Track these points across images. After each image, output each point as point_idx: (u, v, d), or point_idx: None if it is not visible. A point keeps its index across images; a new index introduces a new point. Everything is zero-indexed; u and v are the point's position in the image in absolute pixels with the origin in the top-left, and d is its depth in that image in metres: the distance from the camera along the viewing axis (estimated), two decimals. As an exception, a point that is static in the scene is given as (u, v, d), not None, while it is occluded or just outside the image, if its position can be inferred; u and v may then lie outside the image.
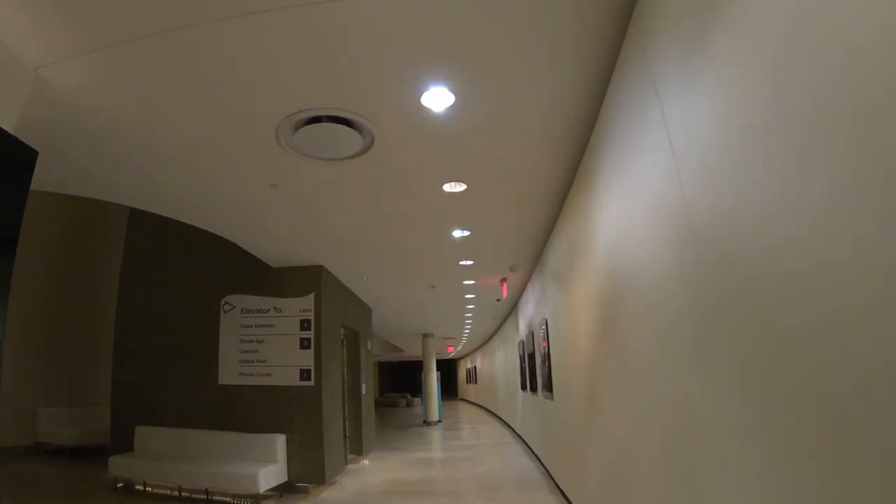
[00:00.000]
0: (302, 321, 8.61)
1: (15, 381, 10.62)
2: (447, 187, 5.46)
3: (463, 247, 7.85)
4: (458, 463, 10.96)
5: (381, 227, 6.90)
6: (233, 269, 9.02)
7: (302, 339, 8.55)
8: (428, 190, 5.57)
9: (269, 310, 8.81)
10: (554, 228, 7.01)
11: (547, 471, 8.94)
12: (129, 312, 9.78)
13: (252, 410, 8.48)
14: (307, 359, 8.44)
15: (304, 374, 8.42)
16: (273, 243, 7.70)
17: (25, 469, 9.39)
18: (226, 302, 9.02)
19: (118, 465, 8.09)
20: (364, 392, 11.36)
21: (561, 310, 6.60)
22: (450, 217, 6.55)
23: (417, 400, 20.60)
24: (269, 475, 7.53)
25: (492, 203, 6.14)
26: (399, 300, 12.40)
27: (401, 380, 42.87)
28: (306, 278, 8.72)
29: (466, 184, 5.37)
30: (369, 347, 12.44)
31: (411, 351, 25.01)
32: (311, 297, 8.63)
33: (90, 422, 10.60)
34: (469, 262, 8.75)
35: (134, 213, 10.16)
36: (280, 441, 8.05)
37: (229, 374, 8.77)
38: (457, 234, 7.11)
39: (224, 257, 9.01)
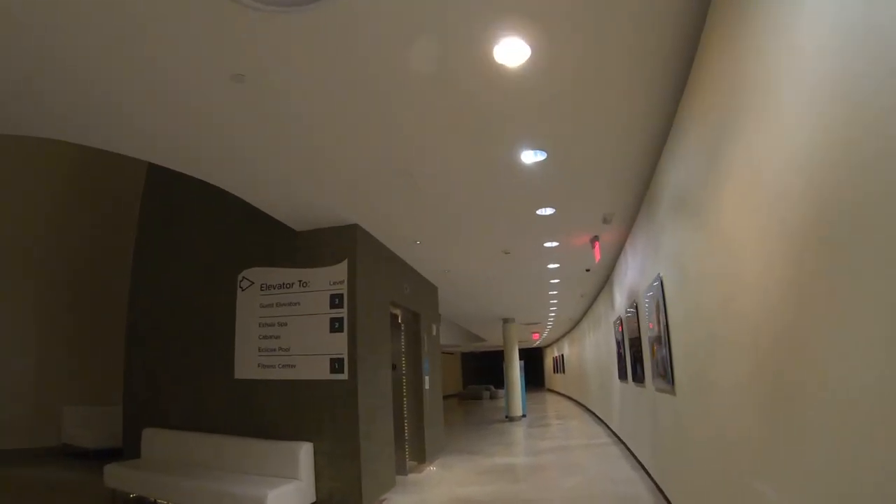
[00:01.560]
0: (332, 296, 6.52)
1: (40, 378, 9.61)
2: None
3: (540, 186, 5.52)
4: (542, 472, 8.60)
5: (429, 153, 4.80)
6: (252, 237, 7.13)
7: (332, 320, 6.46)
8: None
9: (292, 284, 6.78)
10: (667, 144, 4.60)
11: (658, 486, 6.51)
12: (141, 298, 8.18)
13: (273, 411, 6.54)
14: (339, 345, 6.35)
15: (336, 365, 6.33)
16: (286, 195, 5.74)
17: (28, 474, 7.98)
18: (243, 277, 7.07)
19: (113, 475, 6.46)
20: (427, 386, 9.29)
21: (692, 252, 4.03)
22: (519, 129, 4.37)
23: (502, 392, 18.72)
24: (286, 496, 5.57)
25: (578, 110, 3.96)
26: (469, 275, 10.04)
27: (484, 371, 40.17)
28: (337, 242, 6.60)
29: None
30: (434, 333, 10.24)
31: (493, 339, 22.73)
32: (344, 265, 6.48)
33: (114, 422, 8.83)
34: (549, 211, 6.33)
35: (147, 187, 8.62)
36: (305, 451, 6.04)
37: (247, 366, 6.83)
38: (530, 158, 4.79)
39: (242, 224, 7.21)
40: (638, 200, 6.18)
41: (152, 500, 6.24)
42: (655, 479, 6.75)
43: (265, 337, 6.78)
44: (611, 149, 4.79)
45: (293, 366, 6.54)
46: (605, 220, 6.71)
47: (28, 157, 9.66)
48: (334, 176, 5.29)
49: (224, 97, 3.66)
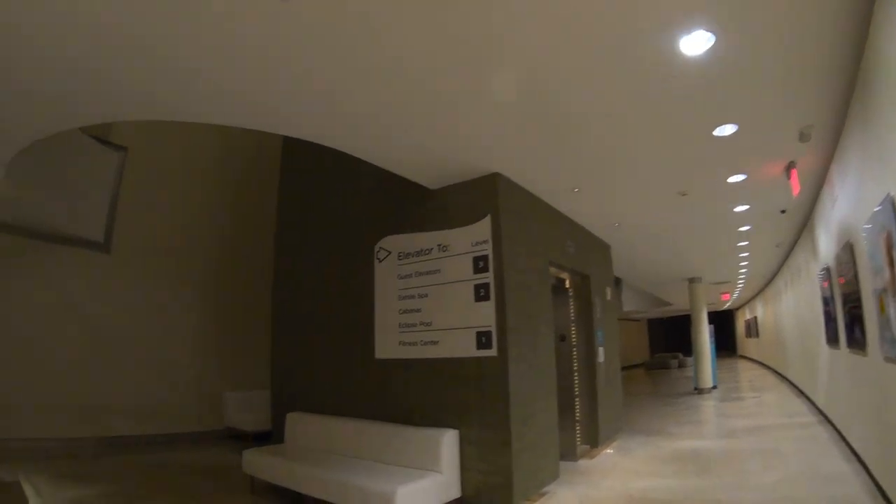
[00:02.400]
0: (476, 259, 5.47)
1: (203, 367, 9.73)
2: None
3: (712, 91, 3.98)
4: (735, 461, 6.84)
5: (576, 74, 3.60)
6: (385, 204, 6.39)
7: (477, 287, 5.42)
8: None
9: (431, 249, 5.84)
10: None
11: (880, 488, 4.80)
12: (283, 282, 7.84)
13: (415, 394, 5.74)
14: (485, 315, 5.26)
15: (483, 339, 5.28)
16: (417, 148, 4.88)
17: (187, 457, 7.99)
18: (380, 248, 6.29)
19: (249, 461, 6.05)
20: (601, 359, 7.94)
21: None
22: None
23: (691, 360, 16.68)
24: (421, 493, 4.71)
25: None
26: (643, 228, 8.44)
27: (672, 337, 36.27)
28: (477, 196, 5.53)
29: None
30: (609, 298, 8.79)
31: (680, 303, 20.34)
32: (486, 221, 5.39)
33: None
34: (729, 129, 4.63)
35: (283, 171, 8.34)
36: (448, 440, 5.13)
37: (387, 344, 6.07)
38: (694, 44, 3.28)
39: (375, 193, 6.52)
40: (845, 100, 4.32)
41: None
42: (877, 477, 5.00)
43: (405, 311, 5.94)
44: (803, 20, 3.17)
45: (436, 342, 5.63)
46: (803, 137, 4.83)
47: (180, 151, 9.70)
48: (466, 117, 4.26)
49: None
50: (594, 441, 7.35)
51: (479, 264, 5.38)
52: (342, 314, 6.65)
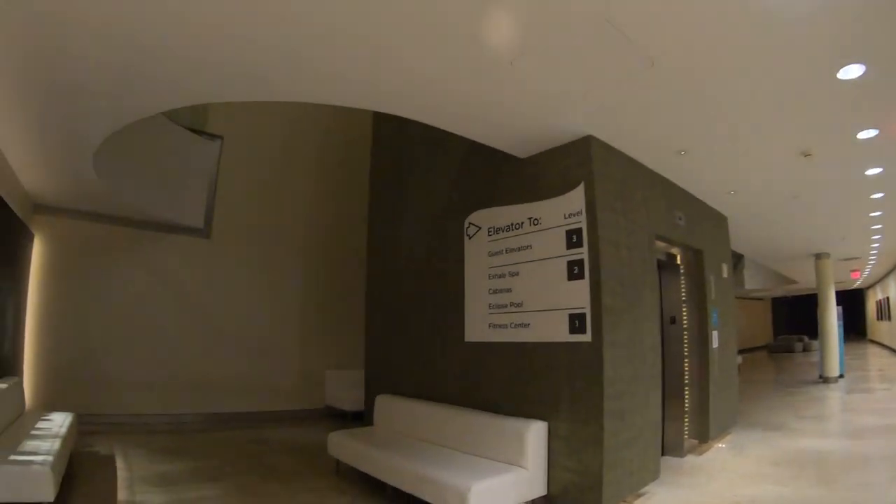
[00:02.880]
0: (569, 233, 4.83)
1: (305, 346, 9.72)
2: None
3: (833, 18, 3.16)
4: (862, 468, 5.73)
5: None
6: (475, 177, 5.90)
7: (571, 264, 4.78)
8: None
9: (522, 223, 5.25)
10: None
11: None
12: (376, 262, 7.55)
13: (504, 381, 5.24)
14: (579, 295, 4.64)
15: (576, 323, 4.66)
16: (507, 115, 4.39)
17: (283, 434, 7.97)
18: (469, 223, 5.80)
19: (333, 442, 5.81)
20: (715, 344, 6.96)
21: None
22: None
23: (816, 343, 14.92)
24: (500, 489, 4.26)
25: None
26: (763, 197, 7.36)
27: (797, 318, 32.89)
28: (569, 163, 4.89)
29: None
30: (725, 275, 7.73)
31: (807, 281, 18.34)
32: (579, 190, 4.74)
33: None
34: (856, 71, 3.67)
35: (374, 150, 8.10)
36: (534, 432, 4.61)
37: (477, 326, 5.59)
38: None
39: (464, 166, 6.04)
40: None
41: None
42: None
43: (495, 291, 5.43)
44: None
45: (527, 325, 5.08)
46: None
47: (273, 137, 9.66)
48: (555, 72, 3.71)
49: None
50: (704, 435, 6.53)
51: (573, 238, 4.79)
52: (432, 294, 6.27)
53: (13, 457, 4.11)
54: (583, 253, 4.68)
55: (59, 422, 5.53)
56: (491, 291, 5.49)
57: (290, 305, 9.71)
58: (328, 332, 10.01)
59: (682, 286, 6.70)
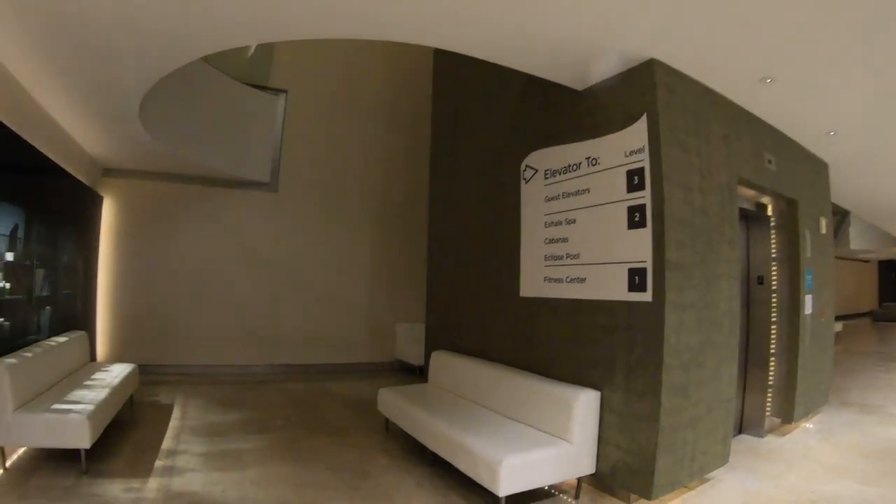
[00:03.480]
0: (630, 174, 3.98)
1: (377, 295, 9.41)
2: None
3: None
4: None
5: None
6: (532, 115, 5.11)
7: (631, 210, 3.96)
8: None
9: (579, 163, 4.44)
10: None
11: None
12: (437, 213, 6.97)
13: (557, 342, 4.57)
14: (640, 247, 3.86)
15: (636, 279, 3.89)
16: (562, 38, 3.62)
17: (349, 387, 7.73)
18: (526, 166, 5.06)
19: (383, 400, 5.46)
20: (809, 309, 5.76)
21: None
22: None
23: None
24: (540, 465, 3.70)
25: None
26: (870, 140, 5.94)
27: None
28: (629, 93, 4.03)
29: None
30: (824, 231, 6.33)
31: (920, 244, 16.07)
32: (641, 124, 3.89)
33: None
34: None
35: (435, 94, 7.43)
36: (583, 403, 3.92)
37: (532, 280, 4.92)
38: None
39: (521, 104, 5.27)
40: None
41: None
42: None
43: (551, 241, 4.71)
44: None
45: (583, 280, 4.35)
46: None
47: (337, 88, 9.21)
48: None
49: None
50: (788, 414, 5.50)
51: (634, 180, 3.99)
52: (489, 244, 5.62)
53: (56, 406, 4.17)
54: (644, 197, 3.89)
55: (117, 373, 5.53)
56: (547, 241, 4.78)
57: (360, 257, 9.35)
58: (399, 285, 9.62)
59: (773, 242, 5.61)
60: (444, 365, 5.74)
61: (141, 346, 7.79)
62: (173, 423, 5.63)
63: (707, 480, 4.15)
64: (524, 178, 5.13)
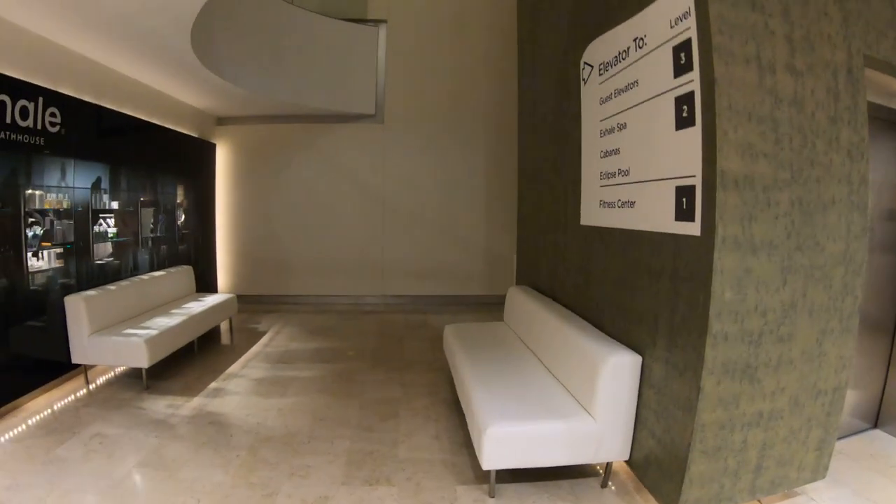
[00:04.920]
0: (676, 51, 2.53)
1: (494, 227, 8.45)
2: None
3: None
4: None
5: None
6: (589, 3, 3.71)
7: (679, 102, 2.55)
8: None
9: (627, 49, 2.99)
10: None
11: None
12: (525, 137, 5.65)
13: (608, 285, 3.36)
14: (688, 156, 2.47)
15: (683, 203, 2.53)
16: None
17: (442, 322, 6.82)
18: (584, 63, 3.68)
19: (446, 337, 4.66)
20: None
21: None
22: None
23: None
24: (540, 441, 2.78)
25: None
26: None
27: None
28: None
29: None
30: None
31: None
32: None
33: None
34: None
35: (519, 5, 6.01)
36: (614, 367, 2.76)
37: (590, 205, 3.65)
38: None
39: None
40: None
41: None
42: None
43: (606, 154, 3.36)
44: None
45: (632, 203, 3.02)
46: None
47: (438, 14, 8.16)
48: None
49: None
50: None
51: (681, 58, 2.56)
52: (559, 165, 4.36)
53: (128, 331, 4.42)
54: (693, 81, 2.47)
55: (208, 303, 5.66)
56: (602, 154, 3.42)
57: (473, 187, 8.28)
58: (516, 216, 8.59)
59: None
60: (516, 303, 4.70)
61: (258, 278, 8.03)
62: (255, 348, 5.59)
63: (793, 496, 2.75)
64: (583, 79, 3.78)
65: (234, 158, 8.02)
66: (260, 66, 6.27)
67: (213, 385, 4.47)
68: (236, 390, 4.38)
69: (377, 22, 8.02)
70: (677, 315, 2.55)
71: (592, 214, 3.60)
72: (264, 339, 5.92)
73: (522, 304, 4.43)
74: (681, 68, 2.50)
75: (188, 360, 5.02)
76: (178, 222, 6.59)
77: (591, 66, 3.63)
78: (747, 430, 2.51)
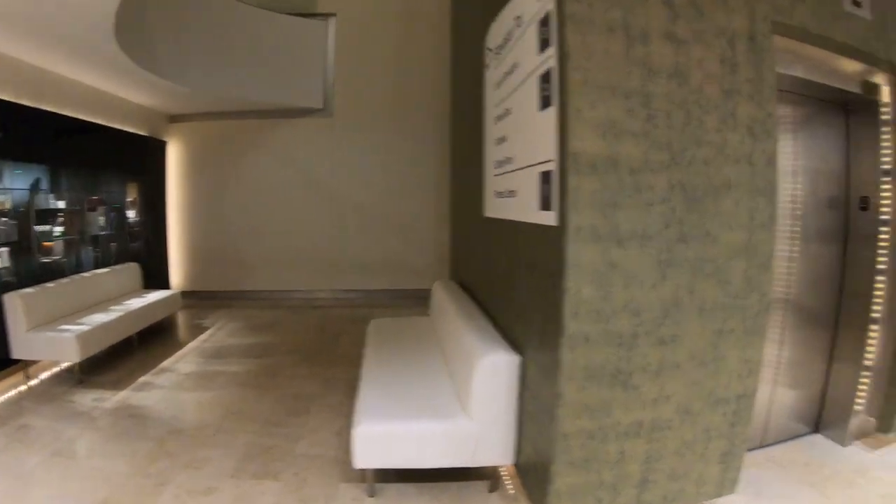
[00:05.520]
0: (540, 25, 2.22)
1: (444, 220, 8.14)
2: None
3: None
4: None
5: None
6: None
7: (542, 81, 2.24)
8: None
9: (511, 30, 2.67)
10: None
11: None
12: (454, 120, 5.48)
13: (500, 279, 3.11)
14: (547, 138, 2.24)
15: (546, 190, 2.21)
16: None
17: (385, 315, 6.74)
18: (487, 48, 3.42)
19: (368, 333, 4.37)
20: None
21: None
22: None
23: None
24: (409, 441, 2.56)
25: None
26: None
27: None
28: None
29: None
30: None
31: None
32: None
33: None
34: None
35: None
36: (488, 367, 2.48)
37: (489, 196, 3.40)
38: None
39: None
40: None
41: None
42: None
43: (499, 142, 3.06)
44: None
45: (514, 193, 2.73)
46: None
47: (386, 6, 7.92)
48: None
49: None
50: (889, 416, 3.13)
51: (544, 33, 2.27)
52: (474, 156, 4.00)
53: (63, 326, 4.44)
54: (552, 56, 2.17)
55: (150, 299, 5.62)
56: (496, 142, 3.15)
57: (422, 180, 7.99)
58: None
59: (886, 145, 3.03)
60: (436, 299, 4.46)
61: (212, 274, 7.83)
62: (193, 343, 5.50)
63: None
64: (486, 65, 3.53)
65: (188, 155, 7.81)
66: (204, 64, 6.09)
67: (142, 379, 4.41)
68: (163, 384, 4.31)
69: (326, 16, 7.76)
70: (546, 313, 2.27)
71: (491, 205, 3.34)
72: (205, 335, 5.79)
73: (440, 300, 4.17)
74: (543, 44, 2.21)
75: (127, 355, 4.98)
76: (130, 220, 6.46)
77: (491, 51, 3.34)
78: (624, 441, 2.21)
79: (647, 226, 2.10)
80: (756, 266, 2.33)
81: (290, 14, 7.20)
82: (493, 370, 2.47)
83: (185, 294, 7.05)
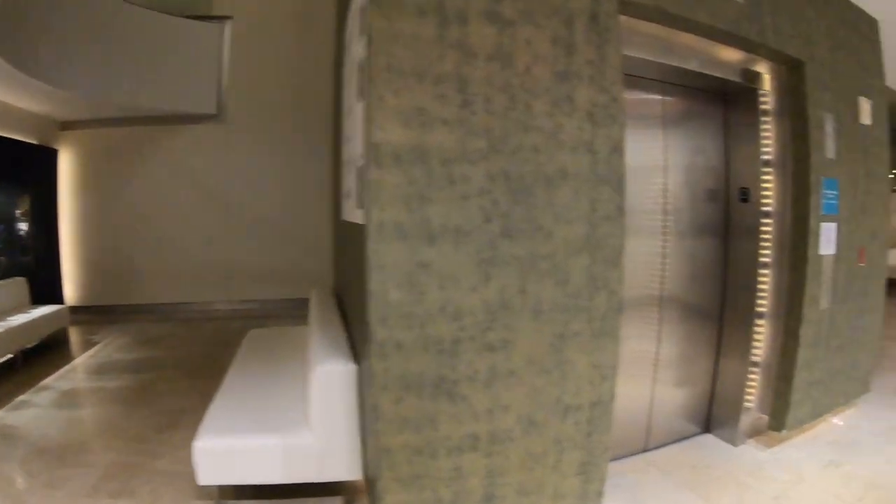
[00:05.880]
0: (361, 12, 2.12)
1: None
2: None
3: None
4: None
5: None
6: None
7: (360, 70, 2.08)
8: None
9: (353, 21, 2.78)
10: None
11: None
12: (335, 131, 5.39)
13: (350, 285, 2.93)
14: (361, 131, 2.14)
15: (359, 188, 2.17)
16: None
17: (280, 324, 6.53)
18: (344, 45, 3.42)
19: (243, 344, 4.17)
20: (828, 249, 3.02)
21: None
22: None
23: None
24: (252, 457, 2.36)
25: None
26: None
27: None
28: None
29: None
30: (865, 121, 3.33)
31: None
32: None
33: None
34: None
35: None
36: (325, 377, 2.29)
37: (343, 197, 3.24)
38: None
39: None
40: None
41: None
42: None
43: (347, 140, 2.94)
44: None
45: (350, 192, 2.60)
46: None
47: (285, 10, 7.73)
48: None
49: None
50: (779, 415, 3.02)
51: (361, 18, 2.10)
52: (339, 157, 3.92)
53: None
54: (364, 43, 1.99)
55: (34, 314, 5.24)
56: (346, 140, 2.96)
57: (319, 187, 7.61)
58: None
59: (766, 134, 2.99)
60: (311, 306, 4.24)
61: (107, 287, 7.40)
62: (79, 360, 5.28)
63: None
64: (343, 62, 3.36)
65: (81, 164, 7.38)
66: (90, 68, 5.78)
67: (21, 398, 4.16)
68: (40, 403, 4.07)
69: (222, 18, 7.44)
70: (362, 319, 2.08)
71: (343, 208, 3.13)
72: (92, 351, 5.51)
73: (311, 309, 3.95)
74: (361, 30, 2.01)
75: (9, 374, 4.70)
76: (20, 233, 6.13)
77: (345, 46, 3.18)
78: (458, 456, 2.00)
79: (464, 221, 1.90)
80: (601, 262, 2.15)
81: (183, 17, 6.92)
82: (328, 380, 2.28)
83: (79, 309, 6.72)
